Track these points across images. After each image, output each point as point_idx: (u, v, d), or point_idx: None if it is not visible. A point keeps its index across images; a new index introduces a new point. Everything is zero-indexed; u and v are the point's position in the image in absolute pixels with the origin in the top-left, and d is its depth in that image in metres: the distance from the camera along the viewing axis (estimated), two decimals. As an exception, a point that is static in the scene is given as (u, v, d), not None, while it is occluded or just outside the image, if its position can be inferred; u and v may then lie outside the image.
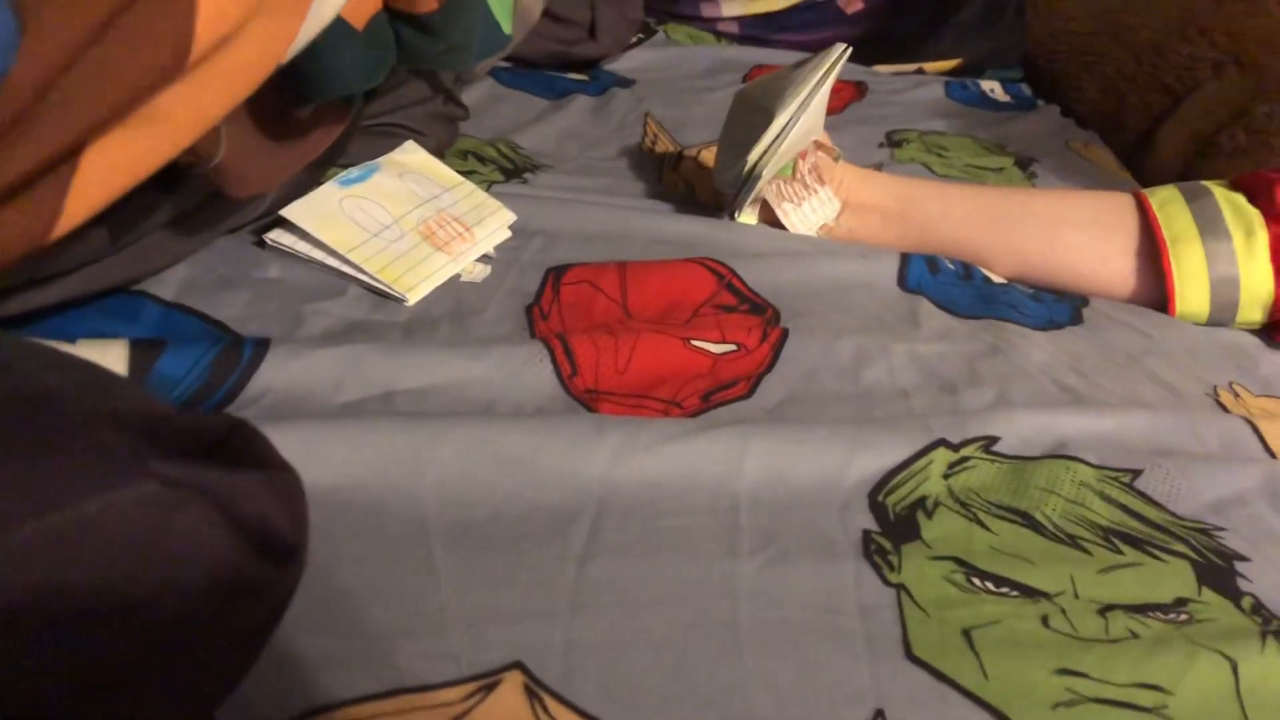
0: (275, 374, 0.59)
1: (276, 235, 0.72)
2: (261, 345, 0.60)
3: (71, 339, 0.58)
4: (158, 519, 0.30)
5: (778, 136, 0.83)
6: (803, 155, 0.88)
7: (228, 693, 0.35)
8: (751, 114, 0.86)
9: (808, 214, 0.89)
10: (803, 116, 0.83)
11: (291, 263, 0.72)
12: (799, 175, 0.88)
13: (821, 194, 0.89)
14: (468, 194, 0.80)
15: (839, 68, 0.85)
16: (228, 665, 0.34)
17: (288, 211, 0.71)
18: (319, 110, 0.65)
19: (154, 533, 0.29)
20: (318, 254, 0.71)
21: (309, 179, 0.74)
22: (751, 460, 0.57)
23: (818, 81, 0.84)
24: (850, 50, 0.87)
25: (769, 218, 0.89)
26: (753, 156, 0.84)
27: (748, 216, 0.89)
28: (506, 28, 0.70)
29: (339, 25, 0.56)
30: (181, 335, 0.61)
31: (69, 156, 0.43)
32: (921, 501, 0.57)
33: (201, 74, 0.45)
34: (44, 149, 0.41)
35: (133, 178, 0.47)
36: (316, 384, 0.59)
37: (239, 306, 0.67)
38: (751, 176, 0.84)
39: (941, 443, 0.60)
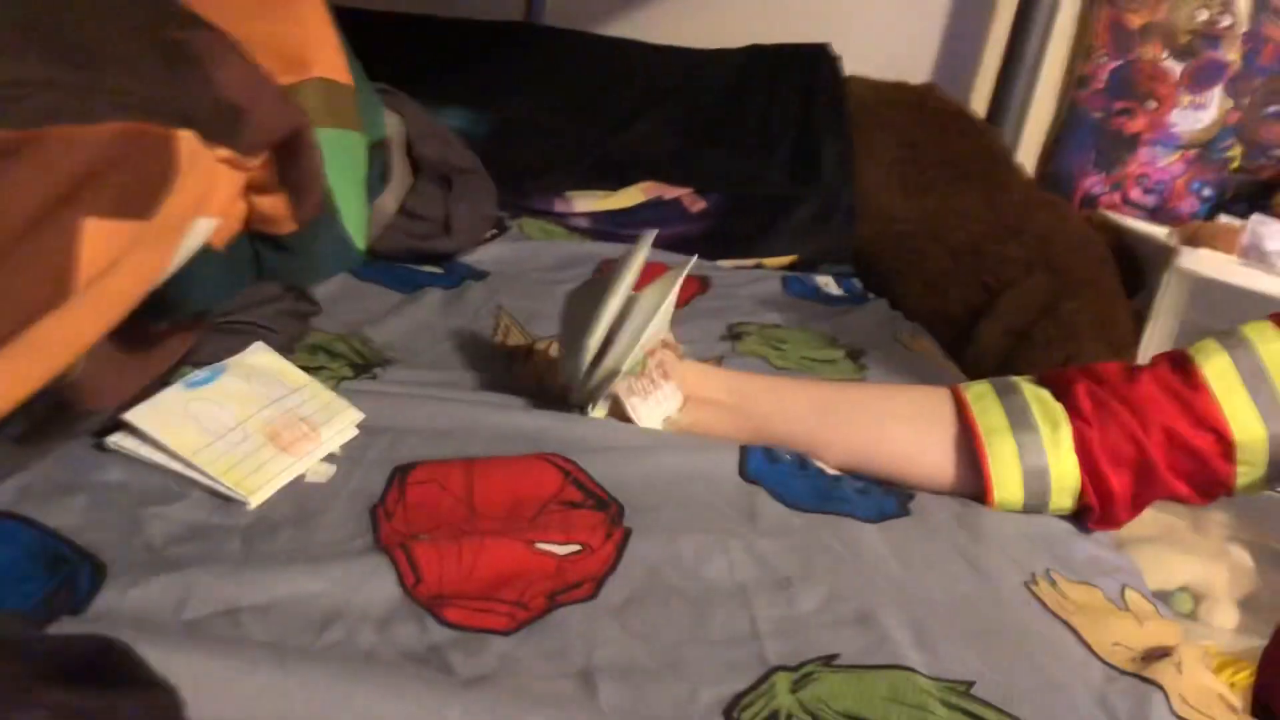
0: (116, 598, 0.58)
1: (119, 439, 0.71)
2: (98, 571, 0.60)
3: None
4: None
5: (615, 324, 0.88)
6: (651, 353, 0.92)
7: None
8: (590, 310, 0.90)
9: (653, 408, 0.93)
10: (659, 313, 0.88)
11: (133, 466, 0.71)
12: (647, 371, 0.92)
13: (666, 388, 0.94)
14: (315, 394, 0.81)
15: (687, 269, 0.92)
16: None
17: (131, 415, 0.70)
18: (173, 323, 0.66)
19: None
20: (160, 457, 0.71)
21: (156, 381, 0.74)
22: (606, 689, 0.58)
23: (648, 277, 0.90)
24: (654, 234, 0.95)
25: (616, 410, 0.92)
26: (590, 342, 0.88)
27: (599, 411, 0.92)
28: (360, 243, 0.73)
29: (203, 248, 0.58)
30: (10, 561, 0.59)
31: None
32: (774, 716, 0.59)
33: (78, 302, 0.47)
34: None
35: (9, 403, 0.47)
36: (159, 605, 0.58)
37: (75, 513, 0.65)
38: (609, 375, 0.88)
39: (779, 669, 0.62)
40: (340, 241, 0.69)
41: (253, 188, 0.58)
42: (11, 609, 0.55)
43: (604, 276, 0.93)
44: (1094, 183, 1.98)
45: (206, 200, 0.54)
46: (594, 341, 0.88)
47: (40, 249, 0.44)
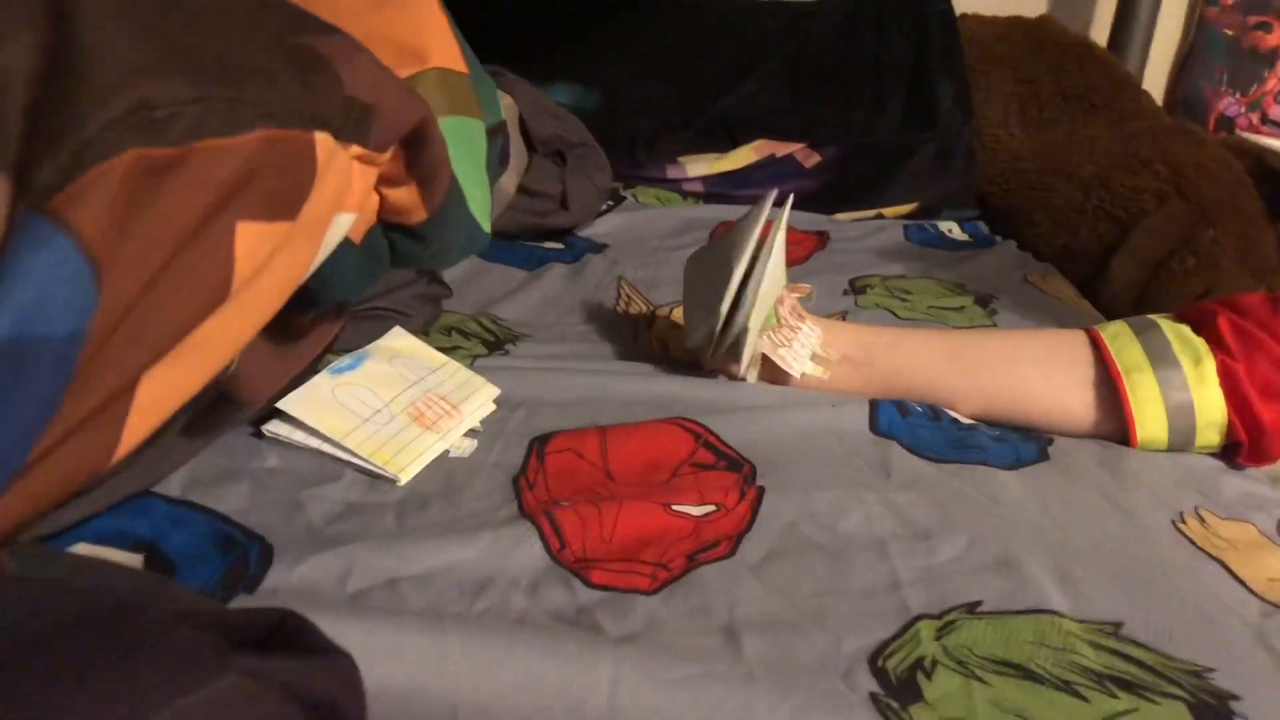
0: (283, 575, 0.62)
1: (274, 426, 0.75)
2: (266, 550, 0.64)
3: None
4: (244, 708, 0.33)
5: (742, 284, 0.88)
6: (780, 301, 0.93)
7: None
8: (714, 274, 0.91)
9: (799, 350, 0.93)
10: (769, 266, 0.88)
11: (289, 451, 0.75)
12: (781, 320, 0.93)
13: (804, 328, 0.94)
14: (453, 373, 0.84)
15: (785, 216, 0.91)
16: None
17: (284, 403, 0.75)
18: (318, 313, 0.70)
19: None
20: (313, 441, 0.75)
21: (305, 370, 0.79)
22: (750, 643, 0.60)
23: (765, 233, 0.90)
24: (776, 193, 0.94)
25: (769, 369, 0.93)
26: (723, 308, 0.88)
27: (752, 376, 0.93)
28: (486, 226, 0.75)
29: (341, 242, 0.61)
30: (188, 544, 0.64)
31: (127, 391, 0.47)
32: (919, 663, 0.59)
33: (235, 303, 0.50)
34: (107, 388, 0.45)
35: (178, 402, 0.51)
36: (323, 580, 0.62)
37: (240, 498, 0.70)
38: (743, 333, 0.89)
39: (922, 618, 0.63)
40: (469, 226, 0.72)
41: (384, 181, 0.61)
42: (194, 588, 0.59)
43: (722, 240, 0.94)
44: (1228, 104, 1.89)
45: (344, 197, 0.57)
46: (724, 307, 0.89)
47: (200, 255, 0.47)
